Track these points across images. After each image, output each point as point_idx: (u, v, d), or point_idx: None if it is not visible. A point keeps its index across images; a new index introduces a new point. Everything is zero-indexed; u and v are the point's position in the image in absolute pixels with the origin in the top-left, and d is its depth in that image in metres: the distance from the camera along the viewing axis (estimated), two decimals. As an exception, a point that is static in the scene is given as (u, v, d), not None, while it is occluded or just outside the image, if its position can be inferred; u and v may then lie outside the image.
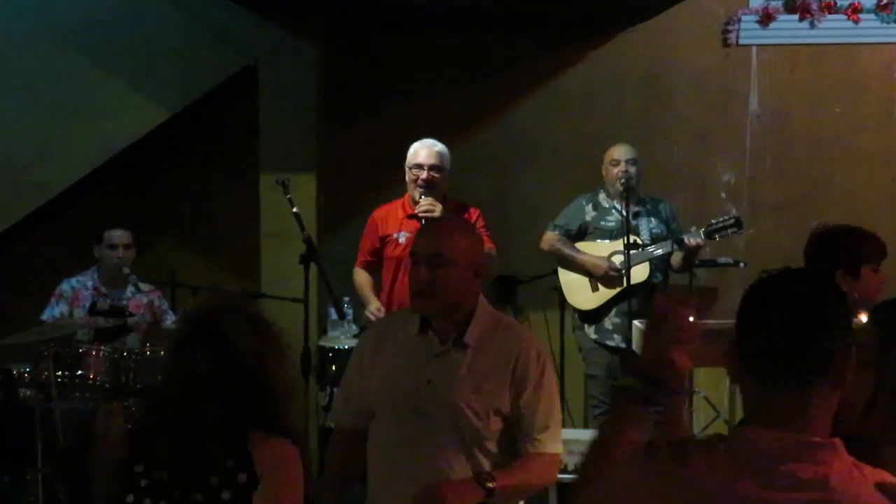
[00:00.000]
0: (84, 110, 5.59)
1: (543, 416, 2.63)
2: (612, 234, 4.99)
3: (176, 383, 2.19)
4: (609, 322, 5.00)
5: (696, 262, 5.08)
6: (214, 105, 5.80)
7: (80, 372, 4.48)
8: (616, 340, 4.96)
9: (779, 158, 5.93)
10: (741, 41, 5.88)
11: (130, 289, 5.08)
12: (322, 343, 4.95)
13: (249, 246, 5.65)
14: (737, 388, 1.74)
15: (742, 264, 5.44)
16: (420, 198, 4.48)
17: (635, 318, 4.77)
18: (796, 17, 5.84)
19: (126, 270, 4.99)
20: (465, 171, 5.26)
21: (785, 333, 1.55)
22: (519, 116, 6.00)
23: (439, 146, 4.60)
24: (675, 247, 4.89)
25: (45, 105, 5.60)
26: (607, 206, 5.07)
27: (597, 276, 4.98)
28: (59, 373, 4.40)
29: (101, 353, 4.53)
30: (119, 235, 5.10)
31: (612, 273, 4.91)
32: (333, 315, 4.88)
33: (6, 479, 4.71)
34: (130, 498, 2.15)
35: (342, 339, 4.91)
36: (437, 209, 4.43)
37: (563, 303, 5.21)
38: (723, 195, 5.93)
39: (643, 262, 4.90)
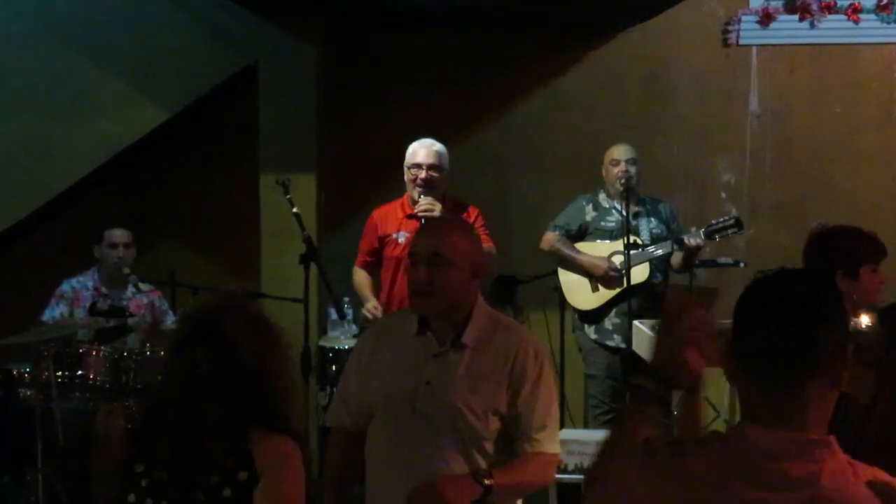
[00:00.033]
0: (84, 110, 5.60)
1: (541, 416, 2.63)
2: (612, 235, 4.99)
3: (176, 383, 2.19)
4: (609, 322, 5.00)
5: (696, 262, 5.08)
6: (214, 105, 5.81)
7: (80, 372, 4.49)
8: (616, 341, 4.96)
9: (779, 158, 5.93)
10: (741, 41, 5.88)
11: (131, 289, 5.08)
12: (322, 343, 4.96)
13: (249, 246, 5.65)
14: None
15: (742, 264, 5.44)
16: (419, 197, 4.47)
17: (635, 319, 4.76)
18: (796, 17, 5.84)
19: (126, 270, 4.99)
20: (464, 171, 5.26)
21: (781, 333, 1.56)
22: (519, 116, 6.00)
23: (438, 145, 4.59)
24: (676, 247, 4.88)
25: (45, 105, 5.61)
26: (607, 206, 5.06)
27: (597, 277, 4.97)
28: (60, 373, 4.41)
29: (102, 353, 4.54)
30: (119, 235, 5.10)
31: (612, 273, 4.90)
32: (333, 315, 4.89)
33: (6, 479, 4.72)
34: (131, 498, 2.16)
35: (342, 339, 4.92)
36: (437, 209, 4.43)
37: (563, 303, 5.21)
38: (723, 195, 5.93)
39: (643, 262, 4.89)
